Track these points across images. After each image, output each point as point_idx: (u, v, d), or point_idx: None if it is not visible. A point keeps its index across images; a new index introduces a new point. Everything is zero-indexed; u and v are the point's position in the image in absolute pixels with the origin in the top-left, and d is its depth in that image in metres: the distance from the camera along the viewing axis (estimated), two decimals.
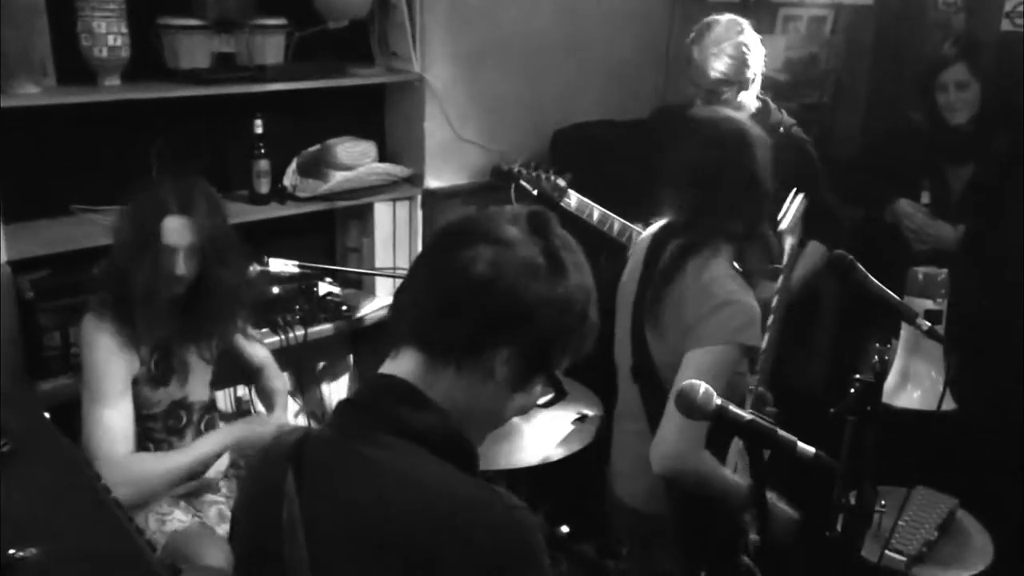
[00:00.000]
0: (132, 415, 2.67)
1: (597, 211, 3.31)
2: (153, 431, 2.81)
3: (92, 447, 2.59)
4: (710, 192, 2.41)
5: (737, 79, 3.19)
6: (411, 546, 1.33)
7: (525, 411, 1.56)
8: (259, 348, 3.17)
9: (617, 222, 3.36)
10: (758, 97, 3.33)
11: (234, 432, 2.87)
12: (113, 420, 2.61)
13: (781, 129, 3.30)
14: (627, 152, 4.09)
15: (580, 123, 4.29)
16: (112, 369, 2.63)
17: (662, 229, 2.56)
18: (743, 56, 3.18)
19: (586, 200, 3.32)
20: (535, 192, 3.31)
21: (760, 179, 2.41)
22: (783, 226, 2.60)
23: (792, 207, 2.62)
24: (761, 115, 3.29)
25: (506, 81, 4.18)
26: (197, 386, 2.89)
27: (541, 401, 2.72)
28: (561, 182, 3.32)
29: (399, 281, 1.62)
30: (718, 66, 3.16)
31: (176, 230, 2.64)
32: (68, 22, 3.08)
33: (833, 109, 4.28)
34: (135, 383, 2.71)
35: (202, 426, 2.93)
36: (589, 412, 2.87)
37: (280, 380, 3.17)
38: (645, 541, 2.54)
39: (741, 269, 2.46)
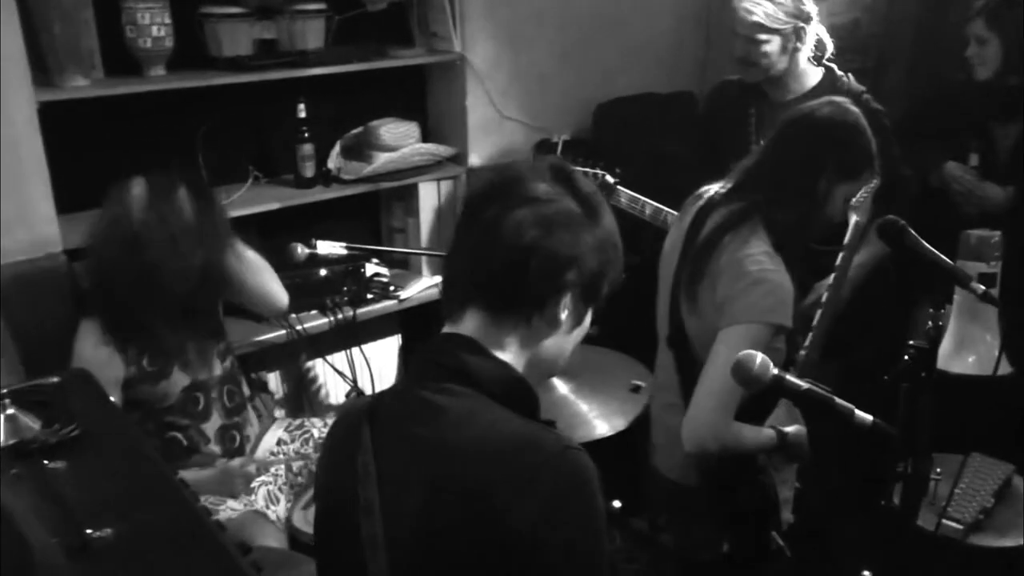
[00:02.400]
0: None
1: (649, 206, 3.22)
2: (175, 423, 2.82)
3: None
4: (780, 176, 2.40)
5: (775, 26, 3.13)
6: (469, 482, 1.40)
7: (578, 341, 1.66)
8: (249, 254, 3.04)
9: (670, 216, 3.33)
10: (823, 64, 3.28)
11: None
12: None
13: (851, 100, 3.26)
14: (671, 125, 4.08)
15: (622, 97, 4.27)
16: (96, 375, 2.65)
17: (709, 200, 2.55)
18: (782, 1, 3.12)
19: (637, 196, 3.23)
20: None
21: (833, 196, 2.38)
22: (852, 201, 2.56)
23: None
24: (827, 83, 3.25)
25: (547, 57, 4.17)
26: (205, 363, 2.87)
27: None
28: (610, 179, 3.21)
29: None
30: (754, 9, 3.11)
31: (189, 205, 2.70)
32: (113, 15, 3.14)
33: (877, 74, 4.23)
34: (129, 385, 2.72)
35: (225, 400, 2.91)
36: (642, 383, 2.86)
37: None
38: (682, 513, 2.55)
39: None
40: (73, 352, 2.69)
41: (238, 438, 2.94)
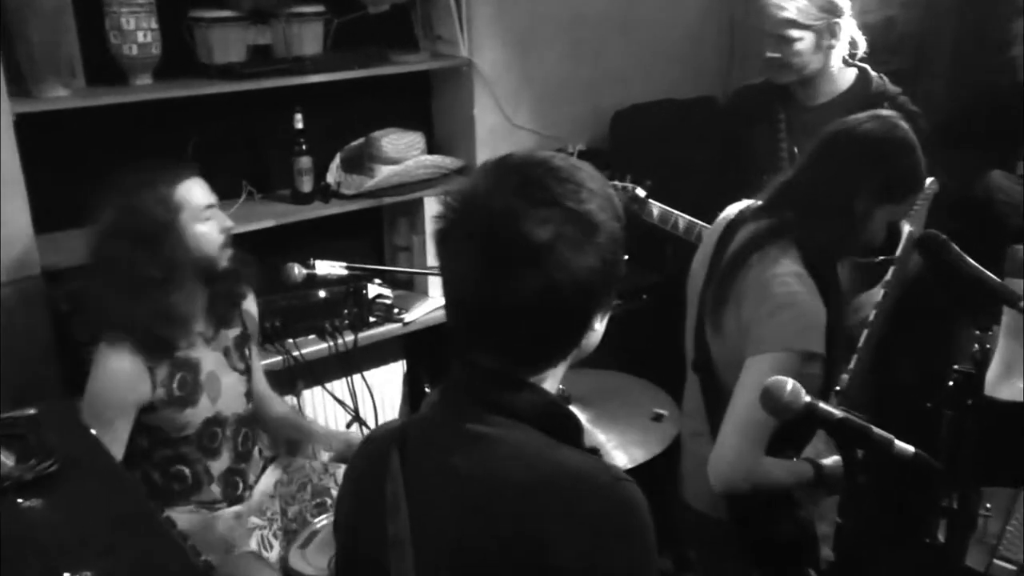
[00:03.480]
0: (120, 445, 2.66)
1: (683, 220, 3.20)
2: (186, 456, 2.82)
3: None
4: (816, 194, 2.37)
5: (808, 22, 3.12)
6: (514, 514, 1.39)
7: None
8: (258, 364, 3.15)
9: (705, 231, 3.31)
10: (855, 65, 3.28)
11: None
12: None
13: (886, 103, 3.25)
14: (693, 133, 4.07)
15: (640, 104, 4.26)
16: (113, 396, 2.65)
17: (739, 216, 2.53)
18: None
19: (669, 209, 3.21)
20: None
21: (873, 218, 2.35)
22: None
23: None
24: (860, 85, 3.24)
25: (560, 62, 4.17)
26: (229, 398, 2.89)
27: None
28: (641, 192, 3.18)
29: None
30: (786, 4, 3.10)
31: (199, 189, 2.72)
32: (96, 20, 3.14)
33: (914, 76, 4.21)
34: (153, 409, 2.71)
35: (239, 441, 2.93)
36: (665, 412, 2.86)
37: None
38: (712, 548, 2.55)
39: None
40: (94, 371, 2.66)
41: (241, 485, 2.95)
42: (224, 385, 2.87)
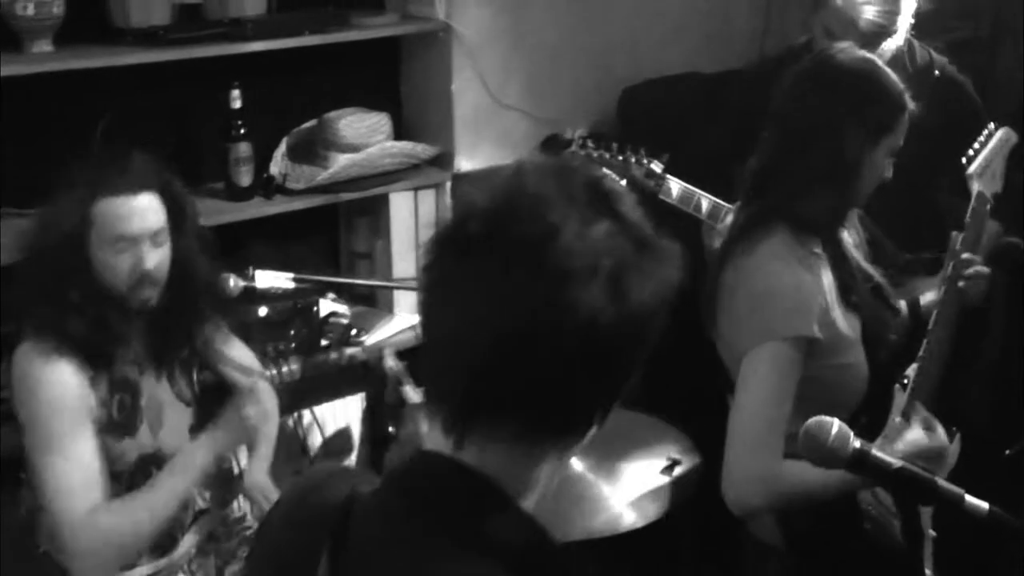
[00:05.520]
0: (95, 460, 2.65)
1: (706, 201, 3.26)
2: (117, 495, 2.77)
3: (51, 511, 2.62)
4: (788, 158, 2.50)
5: (890, 31, 3.22)
6: None
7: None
8: (244, 352, 3.14)
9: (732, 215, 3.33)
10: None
11: (217, 442, 2.85)
12: (65, 471, 2.61)
13: (936, 72, 3.34)
14: (718, 113, 4.05)
15: (656, 79, 4.28)
16: (63, 407, 2.63)
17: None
18: (899, 3, 3.21)
19: (691, 188, 3.28)
20: (623, 182, 3.27)
21: (872, 160, 2.48)
22: (972, 168, 2.67)
23: (989, 143, 2.70)
24: (904, 56, 3.31)
25: (558, 27, 4.17)
26: (172, 434, 2.87)
27: None
28: (657, 167, 3.26)
29: None
30: (868, 15, 3.18)
31: (125, 215, 2.63)
32: None
33: (992, 46, 4.22)
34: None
35: None
36: (679, 457, 2.87)
37: (266, 407, 3.09)
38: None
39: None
40: (22, 379, 2.65)
41: (172, 536, 2.92)
42: (167, 416, 2.86)
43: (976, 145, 2.77)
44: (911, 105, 2.50)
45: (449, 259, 1.34)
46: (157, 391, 2.85)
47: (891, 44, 3.28)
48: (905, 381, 2.61)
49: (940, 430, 2.40)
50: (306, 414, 3.57)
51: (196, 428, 2.96)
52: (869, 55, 2.57)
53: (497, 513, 1.36)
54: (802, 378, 2.39)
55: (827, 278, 2.50)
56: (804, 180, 2.48)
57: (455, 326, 1.34)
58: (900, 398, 2.59)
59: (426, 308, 1.38)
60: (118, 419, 2.75)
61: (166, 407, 2.86)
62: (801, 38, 3.48)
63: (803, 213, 2.48)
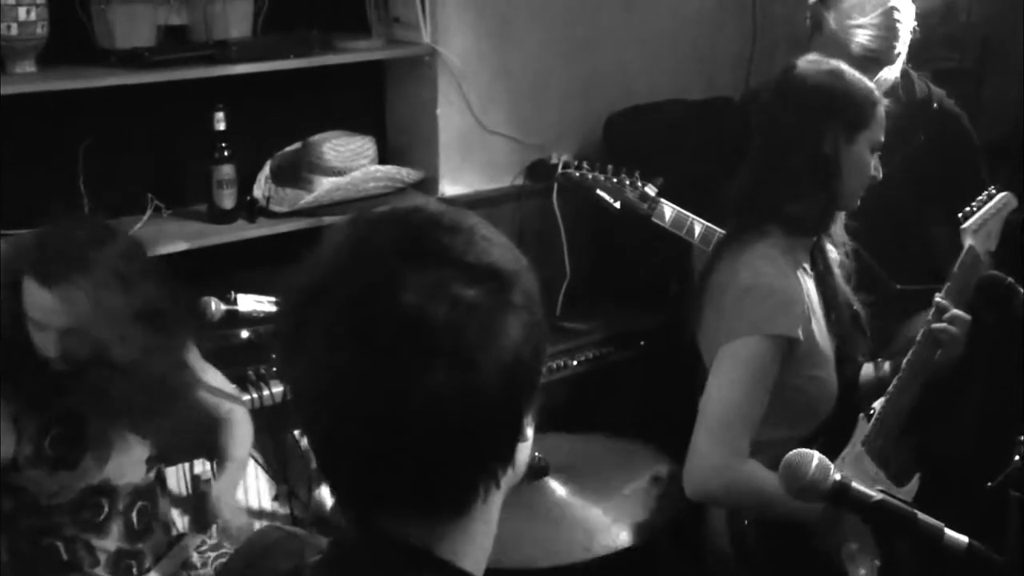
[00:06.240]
0: None
1: (699, 225, 3.28)
2: (61, 527, 2.78)
3: None
4: (771, 169, 2.61)
5: (885, 58, 3.21)
6: None
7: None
8: (217, 377, 3.13)
9: None
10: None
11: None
12: None
13: (935, 105, 3.35)
14: (706, 142, 4.06)
15: (641, 104, 4.27)
16: None
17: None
18: (894, 26, 3.20)
19: (684, 212, 3.30)
20: (616, 204, 3.28)
21: (852, 157, 2.58)
22: (968, 224, 2.74)
23: (988, 204, 2.76)
24: (903, 88, 3.31)
25: (544, 53, 4.17)
26: (124, 464, 2.85)
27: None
28: (651, 190, 3.29)
29: None
30: (862, 40, 3.17)
31: (38, 304, 2.58)
32: None
33: (980, 76, 4.23)
34: (13, 467, 2.67)
35: (133, 516, 2.88)
36: (663, 471, 2.86)
37: (239, 431, 3.12)
38: None
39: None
40: None
41: (135, 570, 2.90)
42: (119, 448, 2.82)
43: (975, 204, 2.83)
44: (884, 101, 2.62)
45: (284, 349, 1.28)
46: (103, 426, 2.79)
47: (888, 74, 3.27)
48: (871, 412, 2.66)
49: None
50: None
51: (160, 456, 2.95)
52: (833, 63, 2.65)
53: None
54: (774, 383, 2.49)
55: (812, 291, 2.61)
56: (789, 184, 2.58)
57: (312, 400, 1.26)
58: (863, 427, 2.64)
59: (293, 391, 1.29)
60: (51, 454, 2.72)
61: (113, 439, 2.81)
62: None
63: (793, 213, 2.58)
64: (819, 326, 2.61)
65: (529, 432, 1.32)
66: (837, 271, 2.72)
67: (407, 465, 1.22)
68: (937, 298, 2.70)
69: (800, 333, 2.50)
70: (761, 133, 2.67)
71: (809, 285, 2.64)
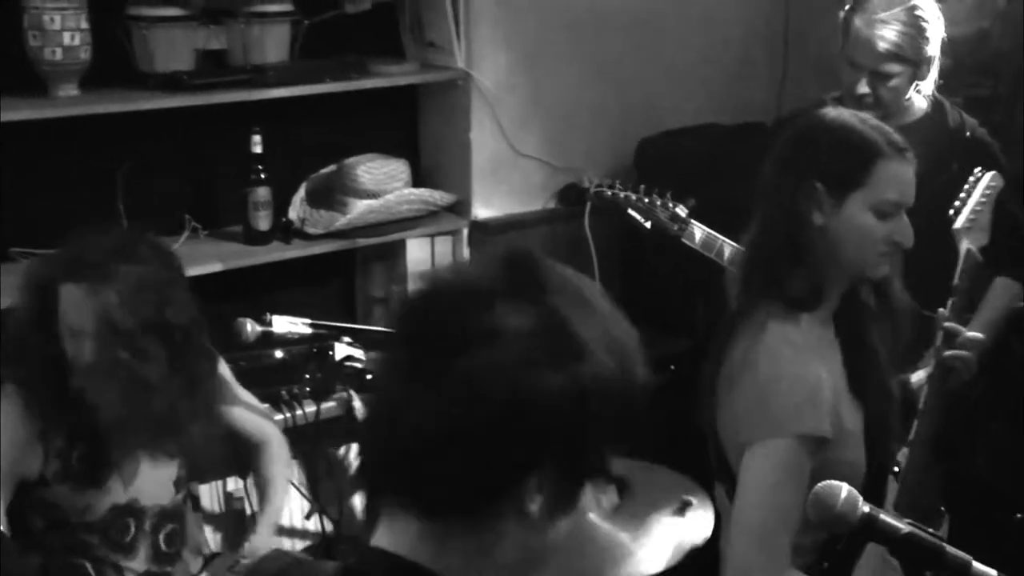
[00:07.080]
0: None
1: (728, 247, 3.24)
2: (90, 546, 2.77)
3: None
4: (758, 233, 2.43)
5: (913, 56, 3.17)
6: None
7: (579, 532, 1.42)
8: (257, 418, 3.15)
9: None
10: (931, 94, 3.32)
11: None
12: None
13: (967, 134, 3.30)
14: (738, 167, 4.07)
15: (673, 130, 4.28)
16: None
17: None
18: (920, 26, 3.16)
19: (715, 234, 3.28)
20: (647, 224, 3.28)
21: (848, 219, 2.32)
22: (959, 222, 2.64)
23: (975, 192, 2.65)
24: (935, 116, 3.29)
25: (576, 77, 4.18)
26: (150, 485, 2.83)
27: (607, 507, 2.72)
28: (682, 211, 3.27)
29: None
30: (888, 35, 3.14)
31: (74, 303, 2.59)
32: (12, 16, 3.15)
33: (1011, 103, 4.22)
34: (42, 483, 2.69)
35: (161, 539, 2.87)
36: (692, 499, 2.85)
37: (278, 468, 3.14)
38: None
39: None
40: None
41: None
42: (143, 467, 2.82)
43: (962, 195, 2.75)
44: (903, 154, 2.34)
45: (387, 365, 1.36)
46: (128, 445, 2.78)
47: (921, 102, 3.26)
48: (896, 469, 2.55)
49: None
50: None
51: (189, 477, 2.95)
52: (844, 115, 2.43)
53: None
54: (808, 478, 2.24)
55: (836, 364, 2.38)
56: (779, 256, 2.36)
57: (379, 421, 1.35)
58: (893, 488, 2.55)
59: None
60: (76, 469, 2.72)
61: (142, 459, 2.81)
62: (833, 93, 3.46)
63: (789, 292, 2.34)
64: (845, 405, 2.37)
65: (577, 508, 1.34)
66: (871, 341, 2.45)
67: (414, 478, 1.29)
68: (945, 324, 2.62)
69: (829, 429, 2.27)
70: (758, 198, 2.45)
71: (833, 355, 2.39)
